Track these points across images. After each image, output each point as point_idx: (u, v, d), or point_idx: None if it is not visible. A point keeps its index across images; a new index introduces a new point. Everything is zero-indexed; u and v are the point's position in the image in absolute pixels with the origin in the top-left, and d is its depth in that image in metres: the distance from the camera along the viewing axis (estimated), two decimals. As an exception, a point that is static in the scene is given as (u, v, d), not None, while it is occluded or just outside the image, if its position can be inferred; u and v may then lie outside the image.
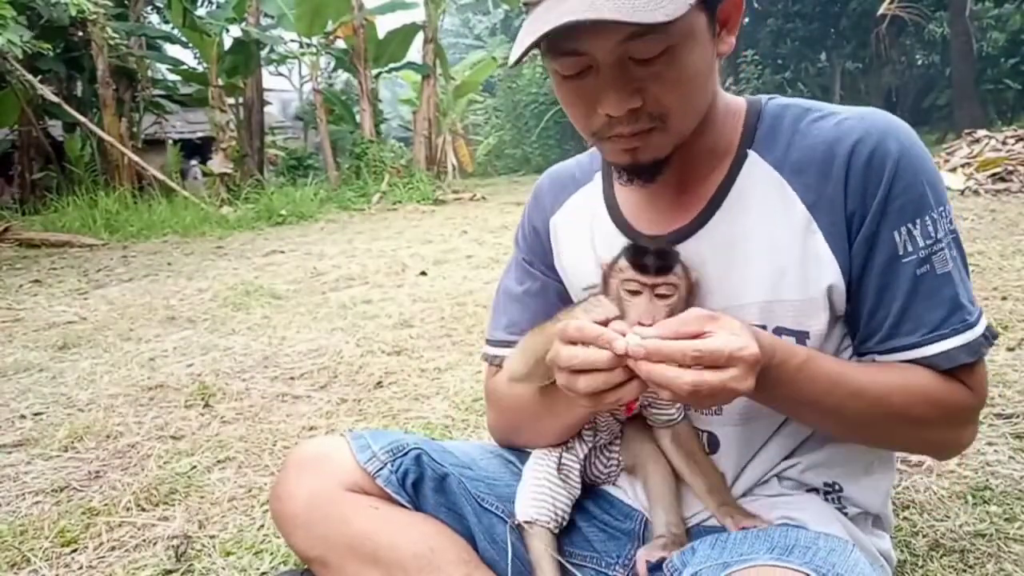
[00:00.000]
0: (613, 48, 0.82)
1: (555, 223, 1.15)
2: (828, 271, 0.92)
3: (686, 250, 0.98)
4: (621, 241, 1.03)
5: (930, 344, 0.90)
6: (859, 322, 0.95)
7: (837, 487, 1.02)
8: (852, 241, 0.91)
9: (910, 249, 0.90)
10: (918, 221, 0.90)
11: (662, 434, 1.05)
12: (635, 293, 0.90)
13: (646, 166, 0.92)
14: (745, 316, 0.94)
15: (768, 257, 0.94)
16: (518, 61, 0.85)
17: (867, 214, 0.90)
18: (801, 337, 0.94)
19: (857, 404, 0.90)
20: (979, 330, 0.91)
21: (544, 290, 1.14)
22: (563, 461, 1.09)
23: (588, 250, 1.08)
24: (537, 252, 1.18)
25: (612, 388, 0.80)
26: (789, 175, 0.94)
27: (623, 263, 0.93)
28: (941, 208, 0.91)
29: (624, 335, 0.79)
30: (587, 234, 1.09)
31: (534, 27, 0.82)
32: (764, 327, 0.94)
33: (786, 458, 1.02)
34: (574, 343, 0.81)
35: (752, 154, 0.97)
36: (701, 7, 0.83)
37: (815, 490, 1.02)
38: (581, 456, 1.10)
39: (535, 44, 0.82)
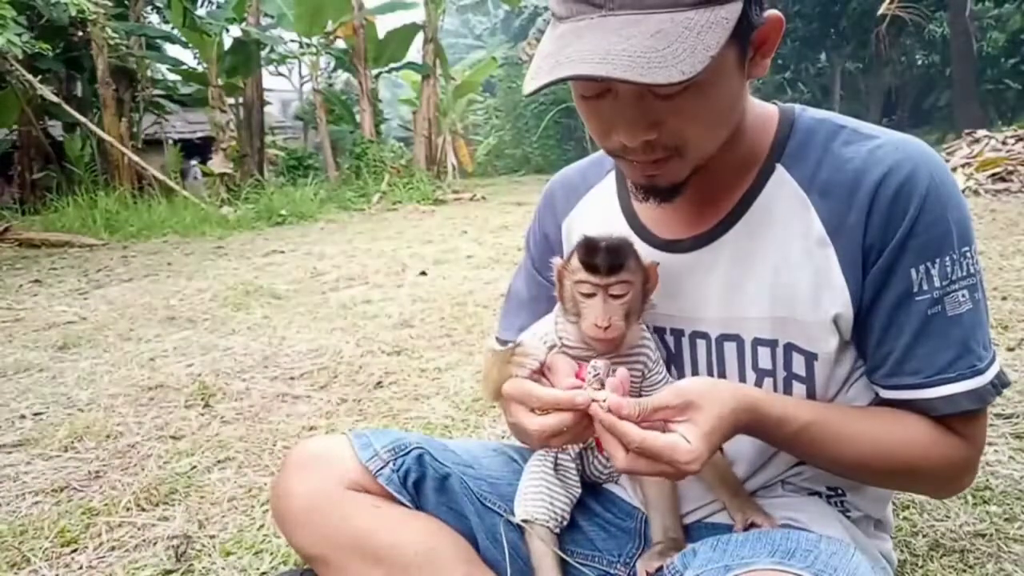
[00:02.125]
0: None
1: (568, 226, 1.15)
2: (838, 299, 0.91)
3: (702, 257, 0.98)
4: (637, 244, 1.03)
5: (934, 387, 0.89)
6: (866, 352, 0.94)
7: (840, 491, 1.02)
8: (867, 272, 0.90)
9: (925, 288, 0.88)
10: (938, 260, 0.88)
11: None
12: (589, 295, 0.90)
13: (663, 188, 0.92)
14: (753, 329, 0.95)
15: (782, 274, 0.93)
16: (534, 93, 0.82)
17: (886, 247, 0.88)
18: (810, 358, 0.94)
19: (849, 467, 0.94)
20: (988, 377, 0.89)
21: (551, 299, 1.13)
22: (559, 461, 1.09)
23: None
24: (547, 259, 1.17)
25: (580, 436, 0.89)
26: (814, 196, 0.93)
27: (575, 263, 0.92)
28: (965, 248, 0.89)
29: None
30: None
31: (551, 62, 0.79)
32: (776, 341, 0.95)
33: (793, 467, 1.02)
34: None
35: (780, 168, 0.96)
36: (731, 40, 0.78)
37: (817, 493, 1.02)
38: (574, 454, 1.10)
39: (549, 84, 0.79)
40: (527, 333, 1.02)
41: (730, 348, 0.98)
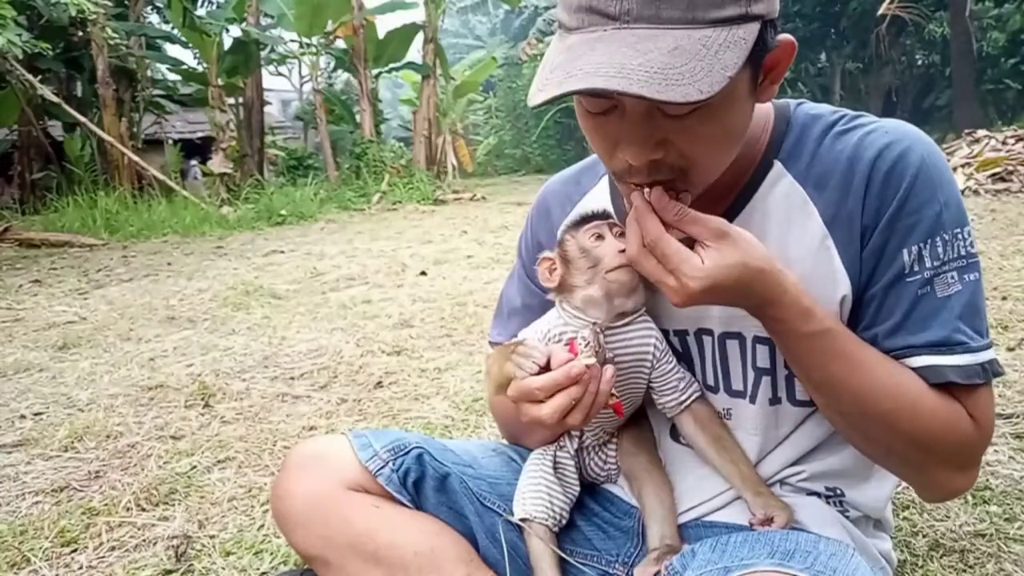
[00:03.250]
0: (642, 100, 0.76)
1: (563, 232, 1.14)
2: (841, 286, 0.91)
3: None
4: None
5: (920, 356, 0.87)
6: (855, 331, 0.93)
7: (839, 491, 1.02)
8: (863, 251, 0.90)
9: (916, 269, 0.87)
10: (929, 241, 0.87)
11: (683, 421, 1.03)
12: (599, 238, 0.94)
13: None
14: (753, 326, 0.94)
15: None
16: (541, 105, 0.78)
17: (878, 226, 0.88)
18: None
19: (854, 393, 0.87)
20: (979, 358, 0.87)
21: (543, 307, 1.12)
22: (558, 459, 1.09)
23: None
24: None
25: (593, 404, 0.88)
26: (811, 190, 0.92)
27: (572, 230, 0.99)
28: (957, 230, 0.87)
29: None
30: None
31: (560, 73, 0.76)
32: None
33: (791, 465, 1.01)
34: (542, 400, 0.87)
35: (777, 164, 0.95)
36: (746, 62, 0.76)
37: (816, 494, 1.02)
38: (572, 452, 1.10)
39: (559, 96, 0.75)
40: (529, 330, 1.02)
41: (732, 345, 0.99)
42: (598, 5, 0.75)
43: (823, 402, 0.92)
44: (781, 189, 0.95)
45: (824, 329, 0.86)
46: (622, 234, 0.92)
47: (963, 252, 0.88)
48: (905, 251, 0.88)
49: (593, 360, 0.87)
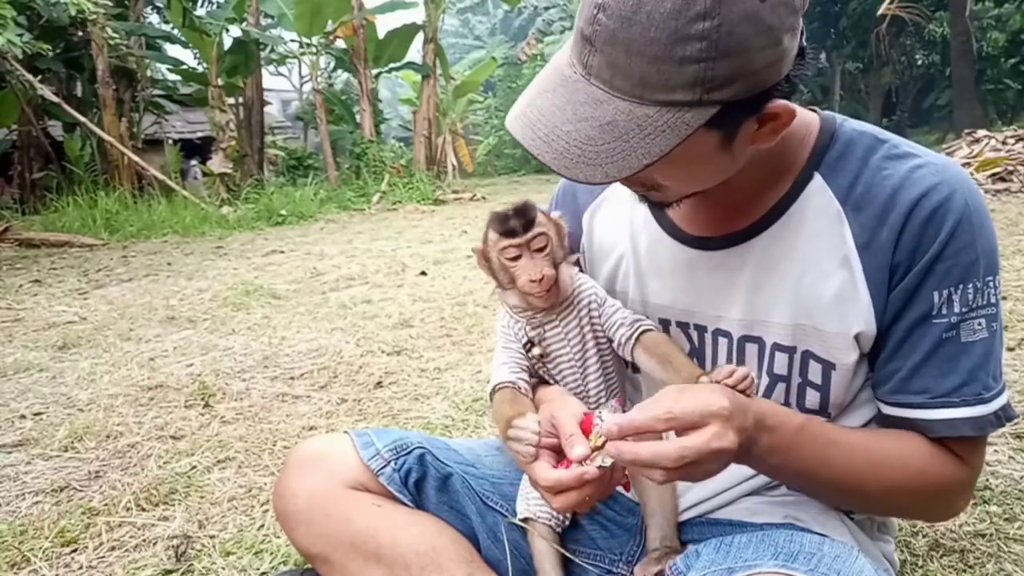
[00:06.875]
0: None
1: (590, 218, 1.15)
2: (862, 315, 0.91)
3: (729, 257, 0.98)
4: (665, 240, 1.04)
5: (936, 408, 0.89)
6: (874, 365, 0.94)
7: None
8: (891, 290, 0.90)
9: (944, 312, 0.88)
10: (961, 286, 0.87)
11: (637, 356, 1.01)
12: (515, 258, 0.98)
13: (652, 202, 0.95)
14: (773, 333, 0.95)
15: (807, 283, 0.93)
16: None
17: (913, 268, 0.88)
18: (828, 367, 0.94)
19: (846, 475, 0.91)
20: (991, 407, 0.88)
21: None
22: None
23: (625, 241, 1.08)
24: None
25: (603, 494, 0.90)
26: (848, 209, 0.92)
27: (493, 236, 1.01)
28: (989, 278, 0.89)
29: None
30: (625, 225, 1.09)
31: (526, 100, 0.82)
32: (794, 348, 0.95)
33: None
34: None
35: (817, 177, 0.95)
36: (710, 129, 0.76)
37: None
38: None
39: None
40: (498, 366, 1.04)
41: (751, 349, 0.98)
42: (579, 48, 0.79)
43: (826, 497, 0.99)
44: (818, 202, 0.94)
45: (801, 423, 0.88)
46: (537, 251, 0.98)
47: (992, 300, 0.89)
48: (936, 293, 0.88)
49: (609, 461, 0.83)
